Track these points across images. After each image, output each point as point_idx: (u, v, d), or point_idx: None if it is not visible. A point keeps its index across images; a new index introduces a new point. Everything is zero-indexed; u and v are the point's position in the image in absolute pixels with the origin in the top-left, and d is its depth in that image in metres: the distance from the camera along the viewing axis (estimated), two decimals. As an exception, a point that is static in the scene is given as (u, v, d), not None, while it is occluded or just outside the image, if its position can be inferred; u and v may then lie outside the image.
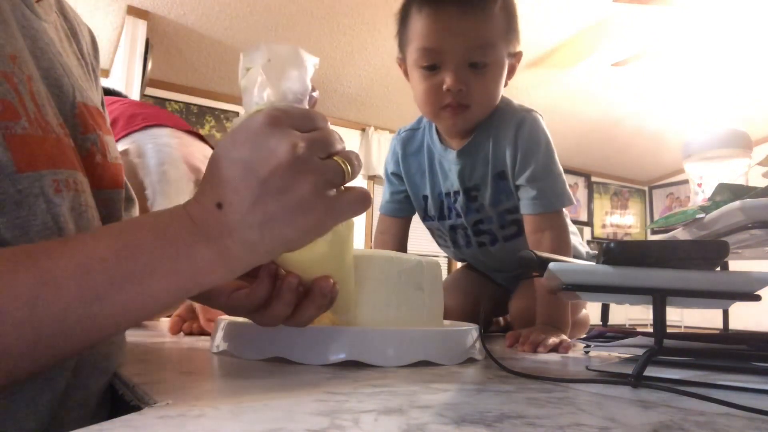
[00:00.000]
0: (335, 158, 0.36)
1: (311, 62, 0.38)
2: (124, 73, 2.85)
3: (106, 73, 3.35)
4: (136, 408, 0.33)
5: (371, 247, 1.05)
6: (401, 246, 1.12)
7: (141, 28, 2.97)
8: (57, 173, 0.35)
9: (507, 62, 0.91)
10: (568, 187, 0.94)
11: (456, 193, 1.01)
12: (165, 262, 0.31)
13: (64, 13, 0.49)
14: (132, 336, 0.74)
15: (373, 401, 0.34)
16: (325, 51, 3.28)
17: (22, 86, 0.35)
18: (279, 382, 0.42)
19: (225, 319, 0.58)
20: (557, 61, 3.39)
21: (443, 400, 0.37)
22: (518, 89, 3.69)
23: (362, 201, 0.38)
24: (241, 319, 0.55)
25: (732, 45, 3.19)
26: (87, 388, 0.39)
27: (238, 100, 3.71)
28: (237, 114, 3.55)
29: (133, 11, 2.99)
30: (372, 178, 4.24)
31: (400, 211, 1.11)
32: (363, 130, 4.21)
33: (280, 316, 0.41)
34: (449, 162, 1.00)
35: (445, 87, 0.86)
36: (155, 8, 3.01)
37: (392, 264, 0.56)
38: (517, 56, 0.93)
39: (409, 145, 1.07)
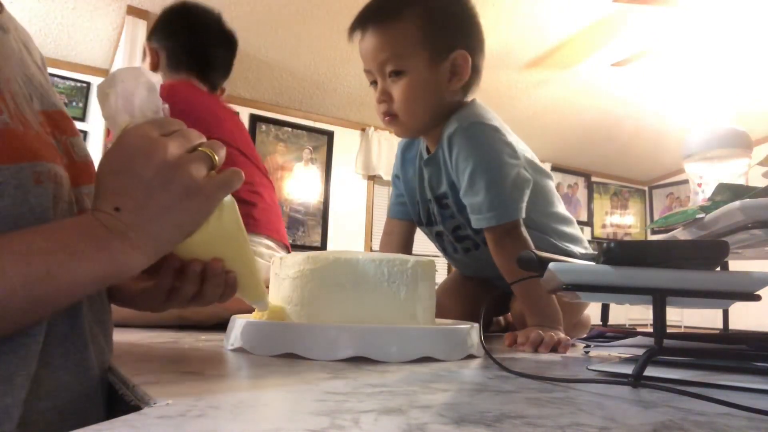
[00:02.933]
0: (201, 149, 0.43)
1: (156, 79, 0.45)
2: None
3: (105, 73, 3.35)
4: (136, 408, 0.33)
5: (371, 248, 1.08)
6: (405, 248, 1.13)
7: (141, 28, 2.97)
8: (37, 165, 0.38)
9: (439, 67, 0.90)
10: (516, 199, 0.88)
11: (430, 200, 1.04)
12: (88, 254, 0.37)
13: (15, 24, 0.51)
14: (132, 336, 0.74)
15: (373, 401, 0.34)
16: (325, 51, 3.28)
17: (3, 85, 0.39)
18: (279, 382, 0.42)
19: (239, 317, 0.63)
20: (557, 61, 3.39)
21: (443, 400, 0.37)
22: (518, 89, 3.69)
23: (233, 176, 0.45)
24: (253, 318, 0.61)
25: (732, 45, 3.19)
26: (59, 379, 0.40)
27: (238, 100, 3.71)
28: (237, 114, 3.53)
29: (133, 11, 2.99)
30: (372, 178, 4.24)
31: (404, 213, 1.13)
32: (363, 130, 4.21)
33: (186, 297, 0.49)
34: (423, 170, 1.03)
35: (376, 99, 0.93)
36: (155, 8, 3.01)
37: (349, 264, 0.60)
38: (458, 57, 0.91)
39: (407, 150, 1.10)
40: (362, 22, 0.91)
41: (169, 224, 0.41)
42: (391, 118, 0.93)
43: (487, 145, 0.90)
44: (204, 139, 0.45)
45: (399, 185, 1.12)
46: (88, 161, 0.51)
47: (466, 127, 0.90)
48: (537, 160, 1.07)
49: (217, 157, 0.44)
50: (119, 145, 0.42)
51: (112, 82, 0.44)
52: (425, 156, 1.01)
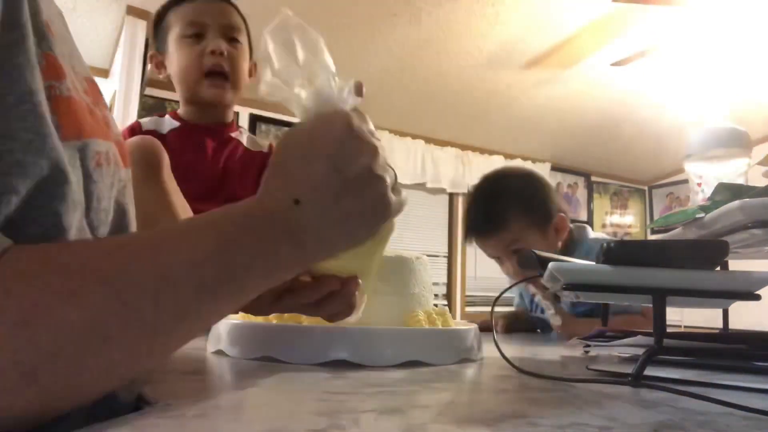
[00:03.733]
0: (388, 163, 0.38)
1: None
2: (123, 73, 2.85)
3: (105, 73, 3.35)
4: (136, 408, 0.33)
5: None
6: None
7: (141, 28, 2.97)
8: (98, 144, 0.32)
9: (548, 231, 1.13)
10: None
11: None
12: (258, 260, 0.31)
13: None
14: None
15: (373, 401, 0.34)
16: (325, 51, 3.28)
17: (55, 42, 0.31)
18: (279, 382, 0.42)
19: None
20: (557, 61, 3.39)
21: (443, 400, 0.37)
22: (518, 89, 3.68)
23: (405, 201, 0.39)
24: (236, 320, 0.56)
25: (732, 44, 3.18)
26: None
27: (238, 100, 3.69)
28: (237, 114, 3.52)
29: (133, 11, 2.98)
30: (372, 178, 4.24)
31: None
32: (363, 130, 4.21)
33: (298, 306, 0.43)
34: None
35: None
36: (155, 8, 3.00)
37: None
38: (558, 221, 1.14)
39: None
40: (475, 235, 1.18)
41: (344, 234, 0.35)
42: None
43: None
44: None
45: None
46: (121, 141, 0.43)
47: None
48: None
49: (396, 177, 0.39)
50: (316, 129, 0.36)
51: (315, 48, 0.37)
52: None
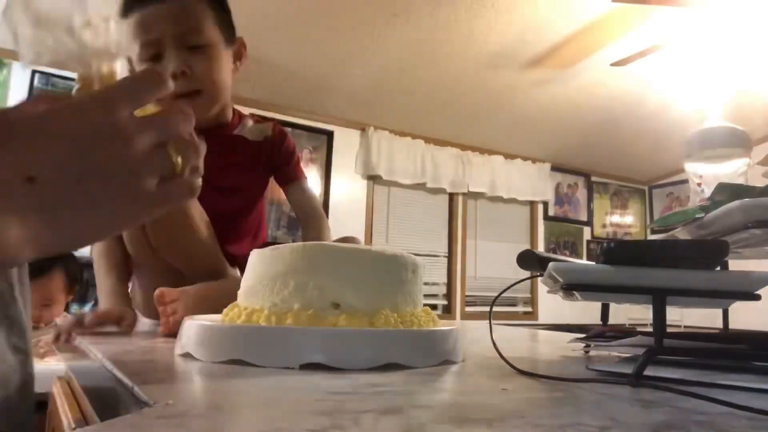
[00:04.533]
0: (169, 148, 0.34)
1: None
2: (123, 74, 2.86)
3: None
4: (136, 408, 0.33)
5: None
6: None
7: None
8: None
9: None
10: None
11: None
12: None
13: None
14: (131, 337, 0.74)
15: (373, 401, 0.34)
16: (325, 51, 3.28)
17: None
18: (279, 382, 0.42)
19: (191, 319, 0.56)
20: (557, 61, 3.39)
21: (443, 400, 0.37)
22: (518, 89, 3.68)
23: (185, 194, 0.35)
24: (206, 322, 0.54)
25: (732, 44, 3.18)
26: None
27: (238, 100, 3.70)
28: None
29: (133, 11, 2.99)
30: (372, 178, 4.23)
31: None
32: (363, 130, 4.21)
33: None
34: None
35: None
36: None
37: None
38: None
39: None
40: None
41: (85, 220, 0.31)
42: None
43: None
44: (184, 127, 0.35)
45: None
46: None
47: None
48: None
49: (180, 165, 0.34)
50: (71, 105, 0.31)
51: None
52: None
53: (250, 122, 1.15)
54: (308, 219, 1.17)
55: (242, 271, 0.90)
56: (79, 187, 0.30)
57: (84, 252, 1.67)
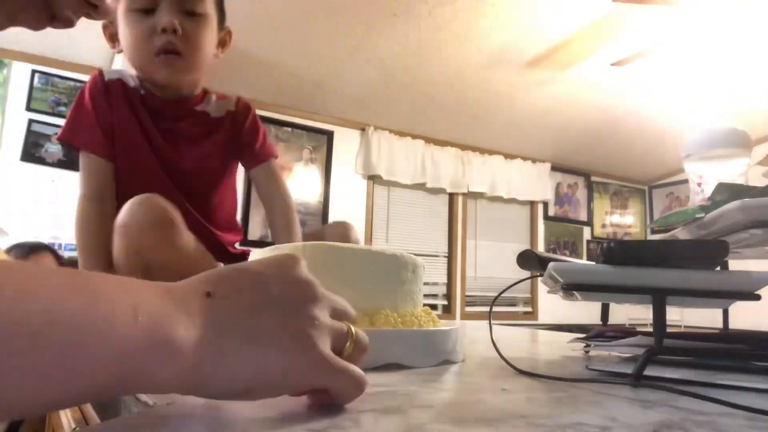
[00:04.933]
0: (345, 322, 0.34)
1: None
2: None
3: (105, 73, 3.35)
4: (136, 408, 0.33)
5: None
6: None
7: (141, 28, 2.97)
8: None
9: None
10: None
11: None
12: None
13: None
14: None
15: (373, 401, 0.34)
16: (325, 51, 3.28)
17: None
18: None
19: None
20: (557, 61, 3.39)
21: (443, 400, 0.37)
22: (518, 89, 3.69)
23: (357, 385, 0.31)
24: None
25: (732, 44, 3.19)
26: None
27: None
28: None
29: (133, 11, 2.99)
30: (372, 178, 4.23)
31: None
32: (363, 130, 4.21)
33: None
34: None
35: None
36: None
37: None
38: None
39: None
40: None
41: (251, 356, 0.28)
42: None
43: None
44: (355, 317, 0.36)
45: None
46: None
47: None
48: None
49: (354, 340, 0.33)
50: (273, 260, 0.32)
51: None
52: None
53: (213, 97, 1.08)
54: (275, 215, 1.08)
55: (230, 262, 0.89)
56: (254, 316, 0.29)
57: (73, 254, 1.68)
